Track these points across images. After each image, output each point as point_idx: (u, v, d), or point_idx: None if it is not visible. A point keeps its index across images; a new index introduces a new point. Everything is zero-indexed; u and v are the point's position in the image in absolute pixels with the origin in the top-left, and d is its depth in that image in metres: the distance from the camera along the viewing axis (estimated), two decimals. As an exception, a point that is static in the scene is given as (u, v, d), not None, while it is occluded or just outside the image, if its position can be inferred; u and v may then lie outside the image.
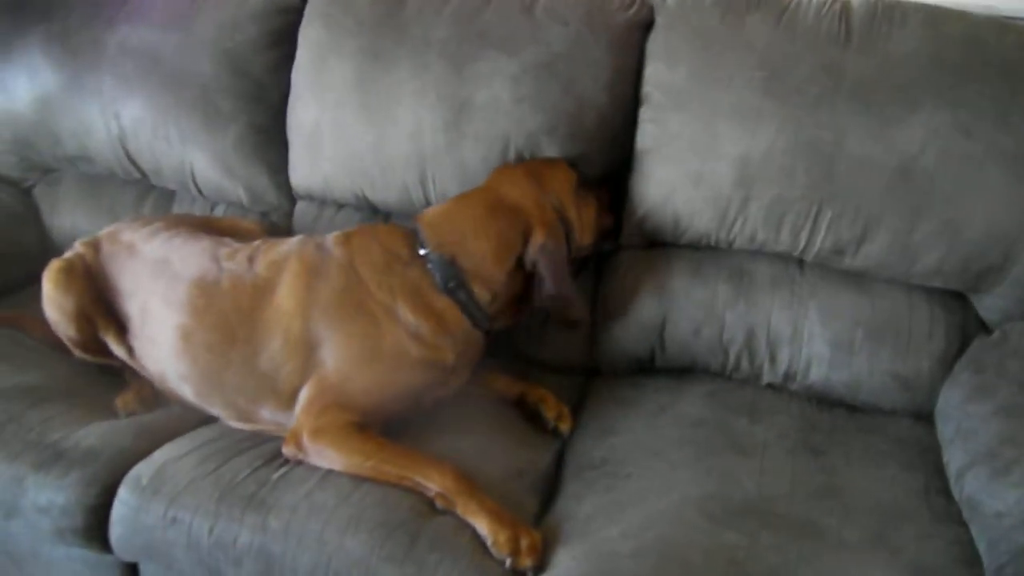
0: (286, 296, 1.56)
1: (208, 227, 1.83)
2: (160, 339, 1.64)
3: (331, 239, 1.63)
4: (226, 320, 1.58)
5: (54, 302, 1.71)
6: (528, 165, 1.74)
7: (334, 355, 1.52)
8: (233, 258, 1.64)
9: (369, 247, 1.59)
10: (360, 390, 1.51)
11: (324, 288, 1.55)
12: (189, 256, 1.66)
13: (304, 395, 1.52)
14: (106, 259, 1.74)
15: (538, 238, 1.61)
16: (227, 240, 1.70)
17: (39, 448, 1.53)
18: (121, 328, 1.71)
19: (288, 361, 1.54)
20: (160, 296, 1.65)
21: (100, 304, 1.71)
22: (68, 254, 1.76)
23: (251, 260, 1.63)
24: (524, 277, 1.63)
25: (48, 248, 1.93)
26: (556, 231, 1.64)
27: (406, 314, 1.53)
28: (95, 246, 1.76)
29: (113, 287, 1.72)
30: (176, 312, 1.61)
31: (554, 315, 1.68)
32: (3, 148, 2.20)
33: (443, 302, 1.56)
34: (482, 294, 1.59)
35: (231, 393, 1.59)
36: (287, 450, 1.49)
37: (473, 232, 1.60)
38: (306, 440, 1.46)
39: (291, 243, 1.66)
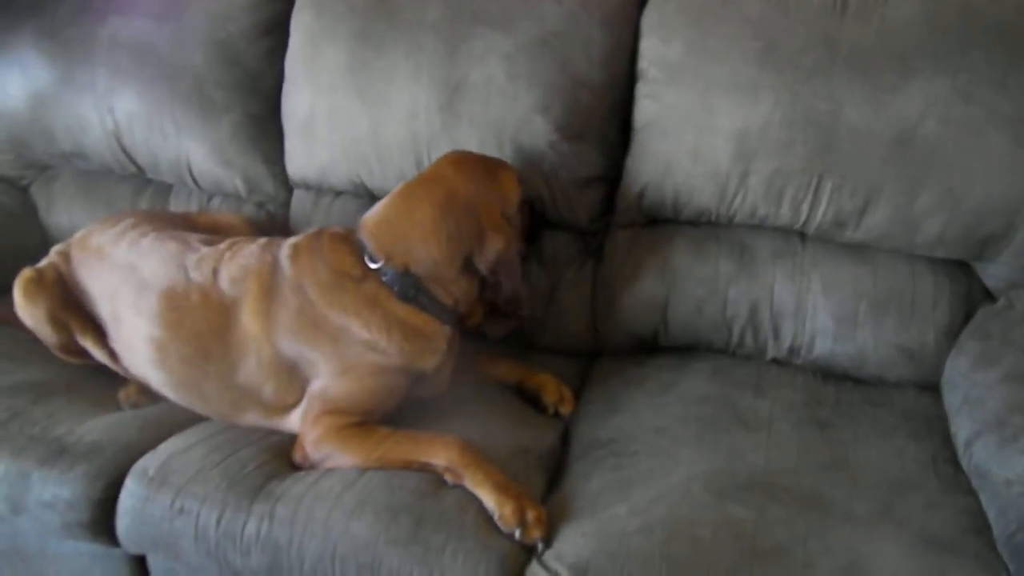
0: (250, 320, 1.54)
1: (185, 224, 1.82)
2: (136, 348, 1.64)
3: (284, 253, 1.57)
4: (198, 335, 1.57)
5: (25, 311, 1.72)
6: (483, 160, 1.64)
7: (311, 371, 1.52)
8: (199, 268, 1.60)
9: (315, 266, 1.54)
10: (343, 398, 1.50)
11: (281, 311, 1.52)
12: (156, 263, 1.64)
13: (301, 409, 1.53)
14: (76, 265, 1.74)
15: (495, 243, 1.53)
16: (194, 243, 1.67)
17: (44, 443, 1.53)
18: (99, 333, 1.71)
19: (268, 380, 1.54)
20: (131, 305, 1.64)
21: (74, 310, 1.71)
22: (41, 263, 1.76)
23: (216, 272, 1.59)
24: (476, 275, 1.57)
25: (46, 246, 1.92)
26: (510, 240, 1.56)
27: (360, 331, 1.50)
28: (66, 253, 1.76)
29: (85, 292, 1.72)
30: (148, 323, 1.60)
31: (502, 311, 1.62)
32: (-1, 147, 2.20)
33: (405, 310, 1.52)
34: (444, 297, 1.55)
35: (213, 402, 1.60)
36: (297, 460, 1.49)
37: (421, 239, 1.52)
38: (310, 449, 1.47)
39: (252, 254, 1.60)
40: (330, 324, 1.51)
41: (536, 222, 1.79)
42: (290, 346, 1.51)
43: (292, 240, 1.61)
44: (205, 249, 1.64)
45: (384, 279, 1.52)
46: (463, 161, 1.62)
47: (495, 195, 1.58)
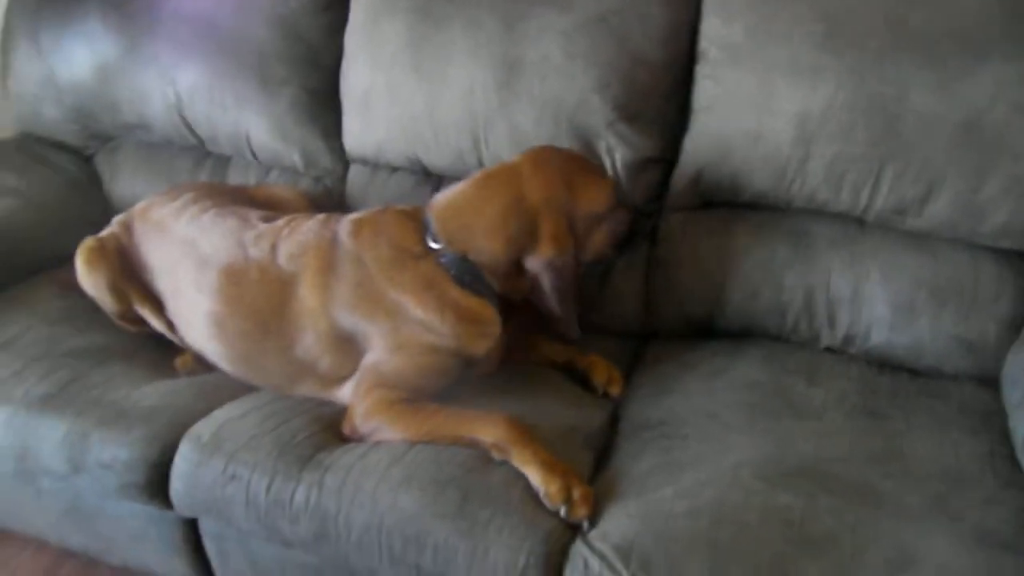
0: (308, 294, 1.55)
1: (244, 198, 1.85)
2: (194, 322, 1.67)
3: (344, 229, 1.59)
4: (257, 311, 1.59)
5: (86, 279, 1.76)
6: (570, 164, 1.60)
7: (366, 344, 1.54)
8: (258, 244, 1.63)
9: (376, 242, 1.55)
10: (394, 374, 1.51)
11: (340, 286, 1.54)
12: (216, 239, 1.67)
13: (353, 381, 1.55)
14: (139, 237, 1.77)
15: (545, 251, 1.51)
16: (253, 219, 1.69)
17: (103, 406, 1.57)
18: (158, 304, 1.74)
19: (325, 354, 1.56)
20: (191, 280, 1.66)
21: (134, 281, 1.75)
22: (103, 232, 1.80)
23: (274, 248, 1.61)
24: (527, 276, 1.56)
25: (110, 215, 1.97)
26: (566, 250, 1.53)
27: (415, 311, 1.50)
28: (128, 224, 1.80)
29: (146, 265, 1.75)
30: (207, 298, 1.63)
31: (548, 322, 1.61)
32: (65, 117, 2.25)
33: (460, 294, 1.52)
34: (498, 286, 1.55)
35: (269, 375, 1.62)
36: (345, 432, 1.51)
37: (484, 232, 1.52)
38: (358, 422, 1.48)
39: (310, 230, 1.62)
40: (388, 299, 1.52)
41: (634, 230, 1.73)
42: (347, 319, 1.53)
43: (354, 215, 1.63)
44: (264, 226, 1.67)
45: (442, 261, 1.53)
46: (546, 161, 1.58)
47: (566, 203, 1.55)
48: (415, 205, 1.64)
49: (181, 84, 2.06)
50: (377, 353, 1.53)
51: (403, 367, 1.51)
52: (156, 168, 2.21)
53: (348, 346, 1.55)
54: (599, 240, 1.62)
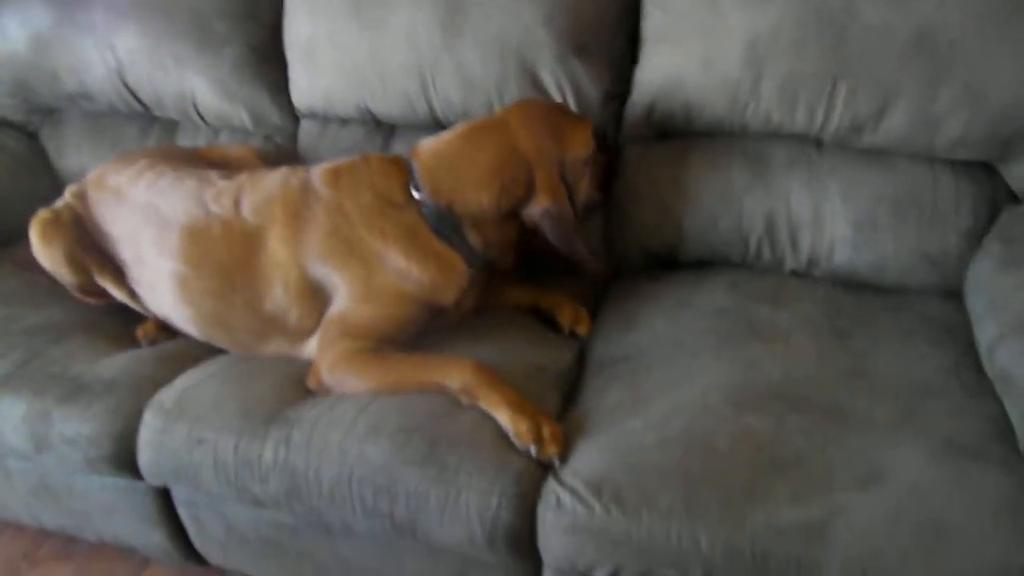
0: (277, 246, 1.53)
1: (196, 159, 1.80)
2: (159, 286, 1.64)
3: (318, 176, 1.57)
4: (222, 268, 1.57)
5: (43, 253, 1.72)
6: (552, 113, 1.62)
7: (335, 293, 1.52)
8: (219, 201, 1.60)
9: (358, 190, 1.54)
10: (362, 323, 1.50)
11: (311, 234, 1.52)
12: (176, 201, 1.63)
13: (318, 334, 1.53)
14: (94, 206, 1.73)
15: (542, 201, 1.53)
16: (212, 177, 1.66)
17: (63, 382, 1.55)
18: (118, 272, 1.71)
19: (294, 306, 1.54)
20: (152, 243, 1.63)
21: (93, 251, 1.71)
22: (56, 204, 1.75)
23: (236, 203, 1.59)
24: (520, 225, 1.57)
25: (58, 190, 1.92)
26: (561, 198, 1.54)
27: (397, 259, 1.49)
28: (82, 194, 1.75)
29: (105, 234, 1.71)
30: (170, 260, 1.60)
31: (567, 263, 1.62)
32: (3, 92, 2.19)
33: (439, 246, 1.52)
34: (476, 241, 1.55)
35: (237, 333, 1.60)
36: (311, 386, 1.49)
37: (474, 183, 1.52)
38: (325, 375, 1.47)
39: (274, 181, 1.60)
40: (365, 248, 1.50)
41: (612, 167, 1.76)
42: (318, 268, 1.51)
43: (327, 165, 1.60)
44: (223, 183, 1.64)
45: (424, 211, 1.52)
46: (531, 114, 1.59)
47: (556, 154, 1.56)
48: (396, 154, 1.62)
49: (120, 49, 2.01)
50: (344, 302, 1.51)
51: (373, 316, 1.50)
52: (102, 138, 2.17)
53: (317, 296, 1.53)
54: (585, 185, 1.63)
